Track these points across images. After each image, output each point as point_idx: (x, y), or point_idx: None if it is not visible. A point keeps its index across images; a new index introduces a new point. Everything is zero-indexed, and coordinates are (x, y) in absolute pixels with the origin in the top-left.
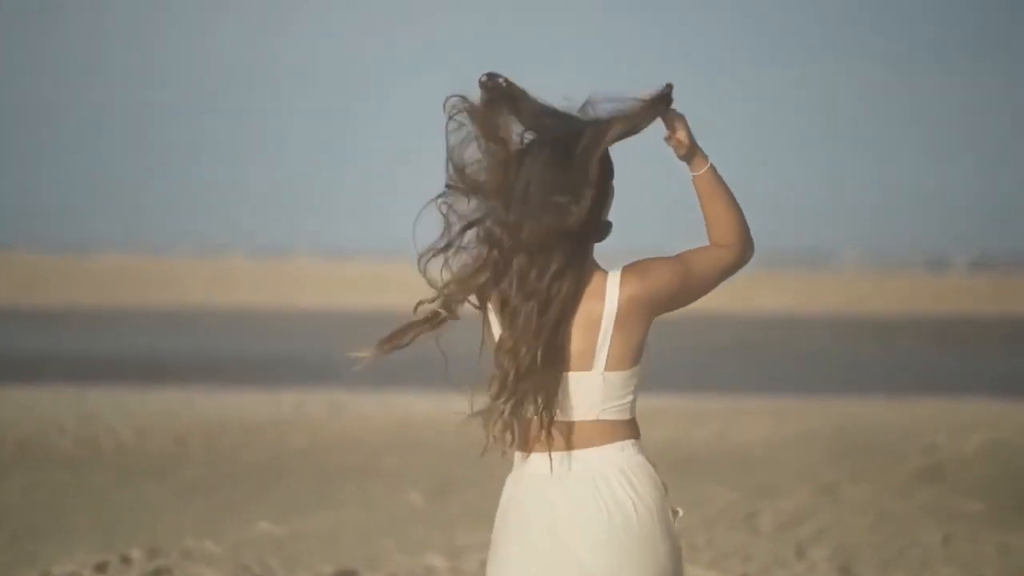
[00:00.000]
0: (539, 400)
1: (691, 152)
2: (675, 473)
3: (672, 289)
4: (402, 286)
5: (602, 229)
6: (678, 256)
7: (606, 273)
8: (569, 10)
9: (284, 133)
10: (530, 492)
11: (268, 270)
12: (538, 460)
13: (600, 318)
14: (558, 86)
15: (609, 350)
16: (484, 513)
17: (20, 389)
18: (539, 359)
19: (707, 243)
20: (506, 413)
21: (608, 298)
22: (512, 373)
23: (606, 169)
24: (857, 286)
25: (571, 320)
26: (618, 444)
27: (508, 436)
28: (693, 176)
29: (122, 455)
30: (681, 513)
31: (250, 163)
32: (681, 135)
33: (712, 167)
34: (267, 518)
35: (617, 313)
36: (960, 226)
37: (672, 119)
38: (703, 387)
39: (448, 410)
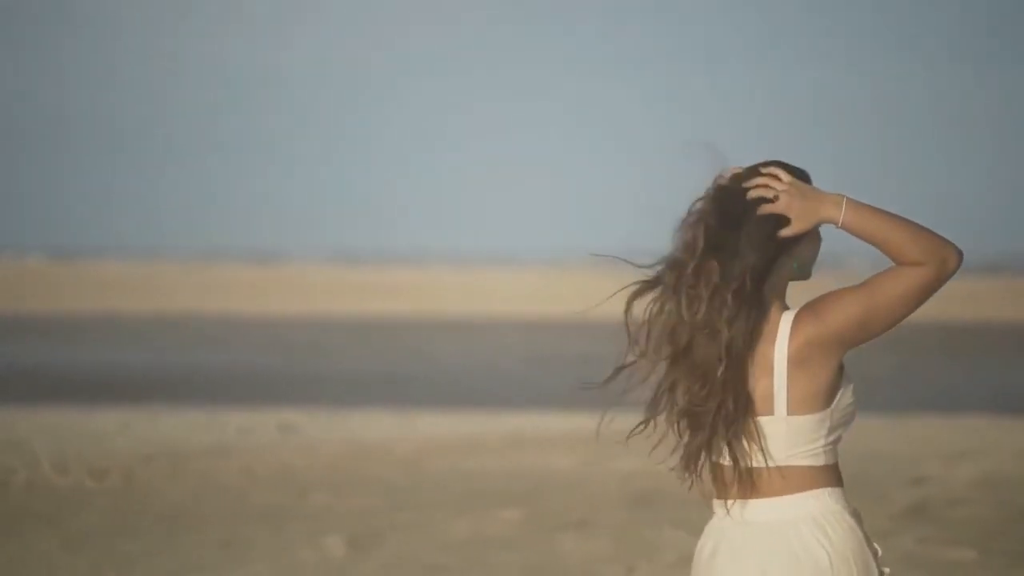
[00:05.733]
0: (724, 446)
1: (822, 206)
2: (629, 513)
3: (856, 320)
4: (391, 290)
5: (788, 268)
6: (865, 282)
7: (784, 313)
8: (582, 17)
9: (271, 137)
10: (723, 544)
11: (254, 276)
12: (732, 509)
13: (772, 362)
14: (563, 88)
15: (788, 393)
16: (407, 569)
17: None
18: (714, 404)
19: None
20: (695, 459)
21: (779, 340)
22: (697, 417)
23: (767, 222)
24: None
25: (749, 363)
26: (812, 492)
27: (701, 483)
28: (840, 226)
29: (30, 493)
30: (888, 571)
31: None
32: (797, 223)
33: (849, 202)
34: None
35: (789, 356)
36: (973, 227)
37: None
38: None
39: (399, 436)
